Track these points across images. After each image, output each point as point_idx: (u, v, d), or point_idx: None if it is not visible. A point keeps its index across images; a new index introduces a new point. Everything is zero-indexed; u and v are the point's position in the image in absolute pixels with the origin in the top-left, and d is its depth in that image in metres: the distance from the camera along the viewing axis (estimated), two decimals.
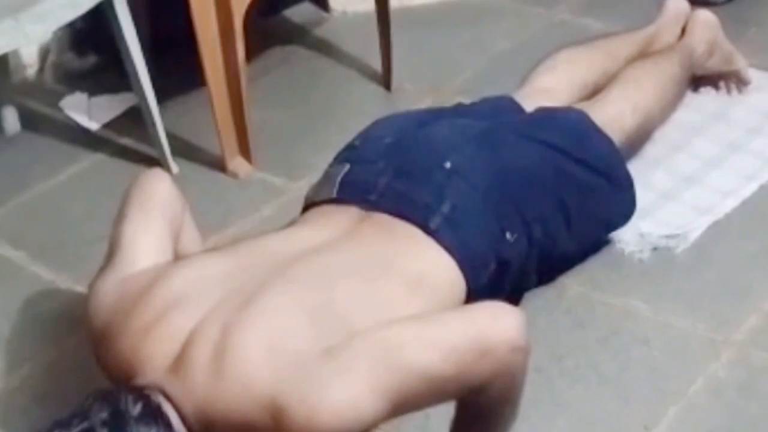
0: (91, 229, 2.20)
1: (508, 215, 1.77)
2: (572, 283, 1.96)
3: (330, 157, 2.33)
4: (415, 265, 1.63)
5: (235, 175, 2.33)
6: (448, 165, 1.76)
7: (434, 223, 1.68)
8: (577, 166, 1.88)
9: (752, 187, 2.14)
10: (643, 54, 2.27)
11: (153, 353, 1.45)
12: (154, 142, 2.35)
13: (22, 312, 2.01)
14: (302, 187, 2.28)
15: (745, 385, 1.74)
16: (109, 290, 1.57)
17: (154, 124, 2.32)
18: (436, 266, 1.65)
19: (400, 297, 1.54)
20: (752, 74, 2.41)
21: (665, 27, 2.35)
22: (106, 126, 2.54)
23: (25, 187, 2.36)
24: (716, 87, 2.41)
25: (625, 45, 2.28)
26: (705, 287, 1.94)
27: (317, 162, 2.33)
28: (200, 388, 1.40)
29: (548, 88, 2.12)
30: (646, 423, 1.69)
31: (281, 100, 2.58)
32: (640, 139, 2.14)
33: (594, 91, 2.15)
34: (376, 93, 2.60)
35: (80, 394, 1.73)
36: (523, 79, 2.18)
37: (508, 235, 1.76)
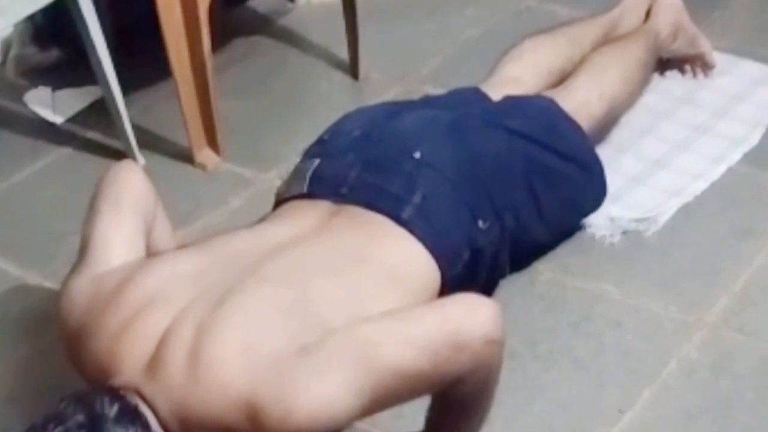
0: (59, 225, 2.18)
1: (479, 203, 1.77)
2: (544, 269, 1.96)
3: (298, 147, 2.31)
4: (389, 256, 1.62)
5: (203, 167, 2.32)
6: (417, 155, 1.76)
7: (406, 213, 1.68)
8: (546, 153, 1.88)
9: (721, 169, 2.15)
10: (609, 38, 2.27)
11: (127, 354, 1.43)
12: (120, 134, 2.32)
13: None
14: (271, 178, 2.28)
15: (717, 366, 1.75)
16: (82, 289, 1.55)
17: (119, 117, 2.29)
18: (410, 257, 1.65)
19: (374, 290, 1.53)
20: (717, 57, 2.42)
21: (630, 10, 2.35)
22: (71, 120, 2.51)
23: None
24: (682, 71, 2.42)
25: (589, 30, 2.29)
26: (676, 269, 1.95)
27: (286, 153, 2.34)
28: (176, 389, 1.39)
29: (515, 77, 2.12)
30: (621, 406, 1.69)
31: (248, 91, 2.57)
32: (608, 124, 2.16)
33: (561, 78, 2.15)
34: (343, 82, 2.59)
35: (51, 393, 1.72)
36: (490, 70, 2.18)
37: (480, 223, 1.76)
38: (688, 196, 2.10)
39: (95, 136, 2.44)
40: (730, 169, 2.16)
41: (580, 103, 2.02)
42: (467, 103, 1.98)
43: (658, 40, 2.30)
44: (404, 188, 1.71)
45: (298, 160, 2.27)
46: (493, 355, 1.43)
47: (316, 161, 1.81)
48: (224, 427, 1.37)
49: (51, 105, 2.56)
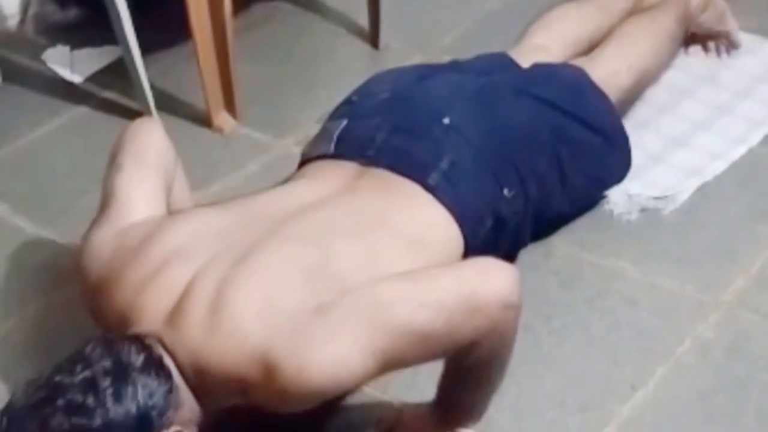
0: (75, 183, 2.18)
1: (505, 172, 1.76)
2: (560, 243, 1.95)
3: (316, 114, 2.33)
4: (413, 221, 1.62)
5: (220, 131, 2.31)
6: (446, 121, 1.75)
7: (433, 179, 1.67)
8: (573, 123, 1.87)
9: (740, 150, 2.14)
10: (637, 8, 2.25)
11: (150, 305, 1.44)
12: (138, 95, 2.31)
13: (5, 265, 1.99)
14: (288, 144, 2.27)
15: (732, 347, 1.74)
16: (105, 242, 1.55)
17: (138, 78, 2.28)
18: (435, 222, 1.65)
19: (396, 254, 1.53)
20: (741, 37, 2.40)
21: None
22: (89, 79, 2.51)
23: (7, 140, 2.33)
24: (706, 48, 2.40)
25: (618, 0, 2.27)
26: (693, 249, 1.94)
27: (303, 119, 2.33)
28: (195, 340, 1.40)
29: (542, 46, 2.10)
30: (633, 382, 1.69)
31: (267, 56, 2.56)
32: (635, 95, 2.14)
33: (589, 48, 2.13)
34: (362, 51, 2.57)
35: (64, 348, 1.73)
36: (517, 37, 2.17)
37: (505, 192, 1.75)
38: (707, 175, 2.08)
39: (113, 96, 2.43)
40: (750, 150, 2.15)
41: (609, 73, 2.01)
42: (496, 69, 1.97)
43: (687, 10, 2.28)
44: (432, 154, 1.70)
45: (316, 126, 2.28)
46: (508, 320, 1.42)
47: (344, 122, 1.80)
48: (238, 380, 1.38)
49: (69, 64, 2.55)
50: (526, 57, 2.03)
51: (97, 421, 1.31)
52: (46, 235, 2.06)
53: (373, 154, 1.71)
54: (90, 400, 1.31)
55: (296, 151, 2.22)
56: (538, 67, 1.99)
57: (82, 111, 2.41)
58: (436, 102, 1.79)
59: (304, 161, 1.81)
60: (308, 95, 2.41)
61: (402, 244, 1.56)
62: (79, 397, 1.31)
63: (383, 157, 1.70)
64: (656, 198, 2.03)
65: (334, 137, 1.77)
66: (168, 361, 1.40)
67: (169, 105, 2.37)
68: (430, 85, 1.85)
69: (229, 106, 2.31)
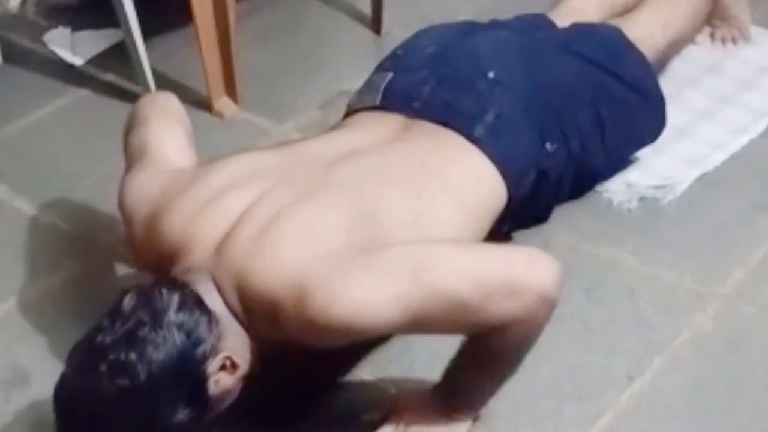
0: (74, 166, 2.18)
1: (548, 126, 1.80)
2: (559, 233, 1.95)
3: (317, 100, 2.32)
4: (459, 172, 1.66)
5: (220, 115, 2.31)
6: (491, 75, 1.78)
7: (478, 131, 1.70)
8: (613, 81, 1.90)
9: (742, 141, 2.13)
10: None
11: (203, 231, 1.48)
12: (139, 79, 2.31)
13: (5, 247, 1.99)
14: (288, 129, 2.27)
15: (730, 339, 1.74)
16: (154, 179, 1.59)
17: (139, 61, 2.27)
18: (480, 174, 1.68)
19: (443, 206, 1.58)
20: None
21: None
22: (90, 61, 2.50)
23: (7, 121, 2.32)
24: (712, 38, 2.40)
25: None
26: (692, 239, 1.94)
27: (303, 104, 2.33)
28: (239, 261, 1.43)
29: (579, 9, 2.12)
30: (631, 373, 1.69)
31: (268, 41, 2.55)
32: (670, 55, 2.19)
33: (624, 11, 2.15)
34: (365, 36, 2.56)
35: (64, 330, 1.74)
36: (554, 2, 2.18)
37: (548, 146, 1.79)
38: (707, 166, 2.08)
39: (114, 79, 2.43)
40: (751, 142, 2.15)
41: (644, 34, 2.03)
42: (537, 27, 2.00)
43: None
44: (477, 106, 1.73)
45: (317, 111, 2.29)
46: (542, 312, 1.44)
47: (390, 74, 1.83)
48: (275, 306, 1.41)
49: (71, 46, 2.54)
50: (563, 19, 2.05)
51: (142, 375, 1.35)
52: (45, 217, 2.06)
53: (419, 106, 1.74)
54: (131, 356, 1.35)
55: (296, 137, 2.23)
56: (577, 26, 2.02)
57: (82, 93, 2.41)
58: (481, 56, 1.83)
59: (349, 112, 1.84)
60: (310, 81, 2.40)
61: (450, 196, 1.60)
62: (121, 356, 1.35)
63: (429, 109, 1.73)
64: (656, 187, 2.03)
65: (381, 89, 1.80)
66: (212, 293, 1.43)
67: (170, 88, 2.32)
68: (475, 40, 1.89)
69: (230, 90, 2.31)
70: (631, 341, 1.74)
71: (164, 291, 1.41)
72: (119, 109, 2.25)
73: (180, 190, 1.54)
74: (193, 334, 1.39)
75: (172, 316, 1.39)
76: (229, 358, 1.43)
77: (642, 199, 2.01)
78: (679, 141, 2.14)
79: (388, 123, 1.73)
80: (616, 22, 2.06)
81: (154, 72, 2.32)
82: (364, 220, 1.49)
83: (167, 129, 1.69)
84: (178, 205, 1.52)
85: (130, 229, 1.59)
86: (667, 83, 2.24)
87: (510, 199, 1.72)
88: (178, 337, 1.37)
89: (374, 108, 1.78)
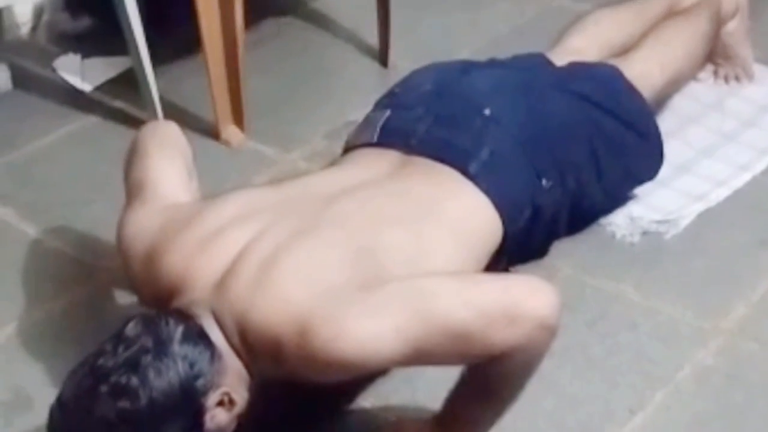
0: (81, 192, 2.19)
1: (543, 162, 1.81)
2: (562, 265, 1.95)
3: (323, 130, 2.34)
4: (456, 208, 1.67)
5: (227, 144, 2.32)
6: (487, 112, 1.80)
7: (473, 167, 1.72)
8: (609, 119, 1.92)
9: (745, 178, 2.14)
10: (671, 12, 2.28)
11: (204, 268, 1.49)
12: (147, 106, 2.33)
13: (9, 270, 2.00)
14: (294, 158, 2.28)
15: (731, 374, 1.74)
16: (153, 214, 1.59)
17: (148, 88, 2.29)
18: (476, 210, 1.69)
19: (440, 242, 1.59)
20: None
21: None
22: (99, 88, 2.52)
23: (15, 146, 2.34)
24: (715, 75, 2.42)
25: (653, 4, 2.30)
26: (694, 274, 1.94)
27: (310, 134, 2.35)
28: (241, 299, 1.44)
29: (578, 49, 2.14)
30: (632, 407, 1.69)
31: (275, 71, 2.57)
32: (668, 94, 2.20)
33: (622, 51, 2.16)
34: (371, 68, 2.58)
35: (65, 355, 1.74)
36: (553, 41, 2.20)
37: (543, 182, 1.80)
38: (710, 201, 2.09)
39: (122, 106, 2.45)
40: (754, 178, 2.16)
41: (642, 73, 2.04)
42: (534, 66, 2.01)
43: (720, 12, 2.30)
44: (473, 143, 1.75)
45: (323, 141, 2.30)
46: (542, 341, 1.44)
47: (387, 112, 1.85)
48: (276, 343, 1.41)
49: (80, 72, 2.56)
50: (561, 58, 2.07)
51: (143, 400, 1.35)
52: (50, 242, 2.07)
53: (416, 143, 1.76)
54: (133, 381, 1.35)
55: (302, 166, 2.25)
56: (574, 65, 2.03)
57: (90, 120, 2.43)
58: (477, 94, 1.85)
59: (347, 149, 1.86)
60: (316, 111, 2.42)
61: (447, 233, 1.61)
62: (122, 379, 1.35)
63: (426, 146, 1.75)
64: (659, 221, 2.04)
65: (378, 127, 1.82)
66: (213, 328, 1.44)
67: (178, 116, 2.36)
68: (472, 78, 1.91)
69: (237, 119, 2.33)
70: (633, 375, 1.74)
71: (170, 321, 1.42)
72: (127, 135, 2.24)
73: (179, 226, 1.55)
74: (196, 366, 1.39)
75: (176, 346, 1.39)
76: (228, 395, 1.43)
77: (645, 233, 2.02)
78: (682, 177, 2.15)
79: (386, 159, 1.75)
80: (615, 62, 2.08)
81: (162, 99, 2.33)
82: (363, 256, 1.50)
83: (167, 162, 1.70)
84: (177, 241, 1.53)
85: (128, 264, 1.60)
86: (669, 119, 2.27)
87: (506, 235, 1.73)
88: (180, 367, 1.38)
89: (372, 145, 1.80)
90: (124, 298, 1.90)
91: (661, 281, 1.93)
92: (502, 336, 1.40)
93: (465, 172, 1.71)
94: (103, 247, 2.00)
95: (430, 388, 1.66)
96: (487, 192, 1.70)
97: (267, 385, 1.51)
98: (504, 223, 1.72)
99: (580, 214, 1.95)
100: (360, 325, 1.38)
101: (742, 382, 1.73)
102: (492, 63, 2.05)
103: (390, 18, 2.53)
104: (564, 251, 1.97)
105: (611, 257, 1.98)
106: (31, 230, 2.09)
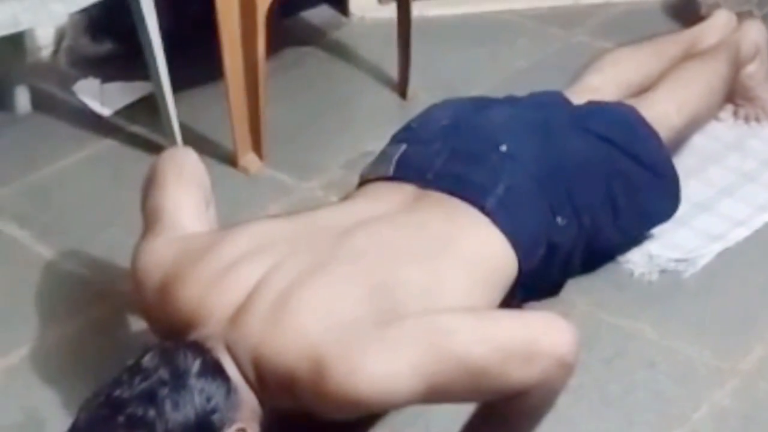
0: (97, 215, 2.19)
1: (559, 200, 1.80)
2: (579, 302, 1.94)
3: (341, 160, 2.34)
4: (471, 244, 1.66)
5: (245, 171, 2.32)
6: (503, 148, 1.80)
7: (489, 203, 1.71)
8: (626, 159, 1.91)
9: (765, 218, 2.13)
10: (689, 54, 2.28)
11: (218, 302, 1.48)
12: (167, 131, 2.33)
13: (24, 292, 1.99)
14: (312, 187, 2.28)
15: (749, 415, 1.73)
16: (167, 246, 1.59)
17: (167, 114, 2.30)
18: (491, 246, 1.68)
19: (456, 279, 1.57)
20: None
21: (712, 29, 2.36)
22: (118, 113, 2.53)
23: (34, 168, 2.34)
24: (736, 115, 2.41)
25: (671, 46, 2.31)
26: (712, 314, 1.93)
27: (328, 164, 2.35)
28: (256, 334, 1.43)
29: (595, 88, 2.14)
30: None
31: (295, 100, 2.57)
32: (686, 136, 2.20)
33: (640, 91, 2.16)
34: (390, 100, 2.59)
35: (78, 378, 1.74)
36: (572, 79, 2.21)
37: (559, 219, 1.79)
38: (729, 241, 2.08)
39: (141, 131, 2.45)
40: None
41: (660, 114, 2.04)
42: (551, 104, 2.01)
43: (738, 54, 2.30)
44: (489, 179, 1.74)
45: (341, 171, 2.30)
46: (559, 378, 1.43)
47: (403, 146, 1.84)
48: (291, 378, 1.40)
49: (100, 97, 2.57)
50: (579, 96, 2.07)
51: (160, 431, 1.34)
52: (65, 265, 2.06)
53: (432, 177, 1.75)
54: (150, 413, 1.34)
55: (320, 195, 2.25)
56: (592, 104, 2.03)
57: (109, 144, 2.43)
58: (493, 130, 1.85)
59: (362, 182, 1.86)
60: (334, 140, 2.42)
61: (463, 269, 1.60)
62: (139, 411, 1.34)
63: (441, 181, 1.74)
64: (677, 260, 2.02)
65: (394, 161, 1.81)
66: (228, 361, 1.43)
67: (197, 143, 2.36)
68: (489, 114, 1.91)
69: (256, 147, 2.33)
70: (650, 414, 1.73)
71: (188, 354, 1.41)
72: (145, 160, 2.26)
73: (194, 258, 1.55)
74: (212, 401, 1.38)
75: (194, 379, 1.38)
76: (243, 430, 1.42)
77: (663, 271, 2.01)
78: (701, 215, 2.14)
79: (401, 193, 1.74)
80: (632, 102, 2.08)
81: (182, 125, 2.34)
82: (378, 291, 1.49)
83: (184, 193, 1.69)
84: (191, 274, 1.52)
85: (141, 296, 1.59)
86: (689, 159, 2.26)
87: (520, 271, 1.72)
88: (197, 401, 1.37)
89: (387, 179, 1.80)
90: (138, 322, 1.89)
91: (678, 320, 1.91)
92: (520, 373, 1.39)
93: (481, 208, 1.70)
94: (118, 270, 1.99)
95: (444, 422, 1.64)
96: (503, 228, 1.70)
97: (279, 419, 1.50)
98: (519, 259, 1.71)
99: (595, 253, 1.94)
100: (376, 363, 1.37)
101: (760, 424, 1.71)
102: (509, 100, 2.05)
103: (410, 51, 2.53)
104: (581, 288, 1.96)
105: (629, 295, 1.97)
106: (47, 252, 2.09)
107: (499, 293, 1.69)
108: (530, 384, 1.40)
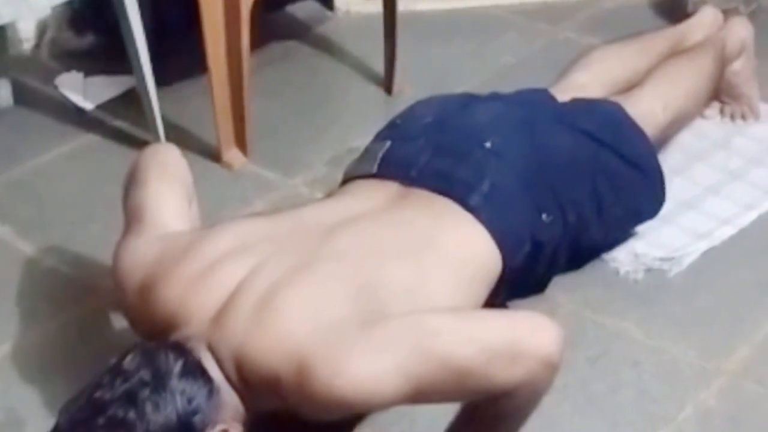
0: (80, 211, 2.17)
1: (544, 197, 1.79)
2: (565, 301, 1.93)
3: (326, 156, 2.33)
4: (456, 241, 1.65)
5: (229, 167, 2.30)
6: (488, 145, 1.79)
7: (474, 200, 1.70)
8: (611, 156, 1.91)
9: (751, 216, 2.13)
10: (675, 51, 2.27)
11: (200, 301, 1.47)
12: (150, 126, 2.31)
13: (5, 289, 1.97)
14: (296, 183, 2.26)
15: (734, 416, 1.72)
16: (148, 245, 1.57)
17: (150, 108, 2.28)
18: (475, 243, 1.67)
19: (440, 276, 1.57)
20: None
21: (698, 26, 2.35)
22: (101, 107, 2.51)
23: (15, 163, 2.32)
24: (722, 113, 2.41)
25: (657, 42, 2.29)
26: (698, 313, 1.92)
27: (312, 160, 2.33)
28: (239, 334, 1.42)
29: (581, 84, 2.13)
30: None
31: (279, 95, 2.55)
32: (672, 133, 2.20)
33: (626, 88, 2.15)
34: (375, 95, 2.57)
35: (60, 376, 1.72)
36: (557, 76, 2.19)
37: (544, 216, 1.78)
38: (714, 240, 2.07)
39: (123, 126, 2.43)
40: (760, 217, 2.14)
41: (645, 112, 2.03)
42: (537, 101, 2.00)
43: (724, 51, 2.29)
44: (473, 175, 1.73)
45: (325, 167, 2.29)
46: (545, 378, 1.43)
47: (387, 143, 1.83)
48: (275, 379, 1.39)
49: (82, 90, 2.55)
50: (564, 94, 2.06)
51: None
52: (47, 262, 2.05)
53: (416, 174, 1.74)
54: (131, 414, 1.33)
55: (304, 192, 2.23)
56: (577, 101, 2.02)
57: (91, 138, 2.41)
58: (478, 127, 1.84)
59: (346, 180, 1.84)
60: (319, 136, 2.41)
61: (447, 266, 1.59)
62: (120, 412, 1.33)
63: (426, 177, 1.73)
64: (662, 259, 2.02)
65: (378, 157, 1.80)
66: (210, 362, 1.42)
67: (180, 138, 2.35)
68: (473, 111, 1.90)
69: (240, 142, 2.31)
70: (635, 414, 1.72)
71: (170, 354, 1.39)
72: (127, 155, 2.24)
73: (176, 258, 1.53)
74: (194, 402, 1.37)
75: (175, 380, 1.37)
76: (226, 431, 1.40)
77: (648, 270, 2.00)
78: (687, 214, 2.13)
79: (385, 191, 1.73)
80: (619, 99, 2.07)
81: (165, 120, 2.32)
82: (362, 291, 1.48)
83: (166, 190, 1.68)
84: (173, 274, 1.51)
85: (122, 295, 1.58)
86: (675, 156, 2.26)
87: (505, 268, 1.71)
88: (179, 403, 1.36)
89: (371, 176, 1.78)
90: (121, 320, 1.87)
91: (664, 319, 1.91)
92: (505, 373, 1.38)
93: (465, 205, 1.70)
94: (100, 267, 1.97)
95: (429, 422, 1.63)
96: (487, 225, 1.69)
97: (263, 419, 1.48)
98: (503, 256, 1.70)
99: (581, 250, 1.94)
100: (361, 364, 1.36)
101: (745, 425, 1.71)
102: (494, 97, 2.04)
103: (396, 46, 2.52)
104: (566, 287, 1.95)
105: (614, 294, 1.96)
106: (28, 248, 2.07)
107: (484, 291, 1.68)
108: (515, 384, 1.40)
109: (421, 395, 1.40)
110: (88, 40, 2.72)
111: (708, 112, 2.39)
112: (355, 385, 1.35)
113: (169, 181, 1.69)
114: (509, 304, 1.84)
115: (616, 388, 1.77)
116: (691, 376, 1.79)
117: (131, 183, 1.71)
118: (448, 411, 1.52)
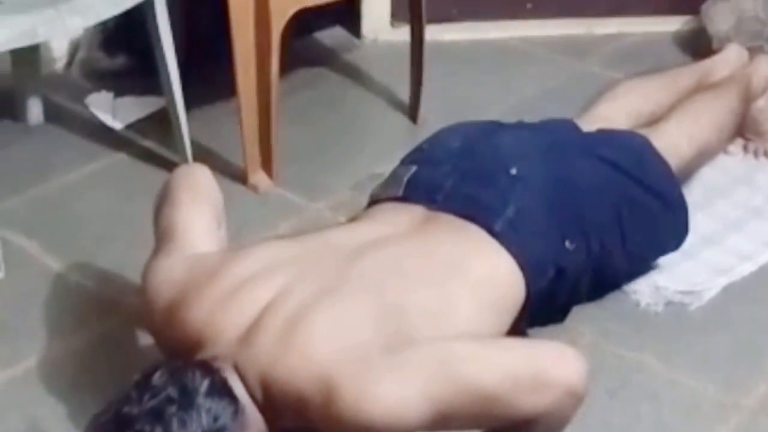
0: (106, 229, 2.20)
1: (569, 224, 1.81)
2: (585, 332, 1.94)
3: (350, 181, 2.35)
4: (480, 267, 1.67)
5: (255, 189, 2.33)
6: (513, 171, 1.81)
7: (499, 225, 1.71)
8: (636, 186, 1.92)
9: None
10: (700, 86, 2.29)
11: (228, 322, 1.49)
12: (178, 147, 2.34)
13: (30, 302, 1.99)
14: (320, 207, 2.28)
15: None
16: (177, 265, 1.59)
17: (179, 129, 2.31)
18: (500, 268, 1.69)
19: (465, 301, 1.59)
20: None
21: (723, 63, 2.38)
22: (130, 127, 2.54)
23: (44, 179, 2.35)
24: (745, 150, 2.42)
25: (683, 78, 2.32)
26: (717, 348, 1.92)
27: (337, 185, 2.35)
28: (266, 355, 1.44)
29: (606, 117, 2.15)
30: None
31: (306, 121, 2.58)
32: (696, 167, 2.21)
33: (651, 121, 2.17)
34: (400, 123, 2.59)
35: (83, 391, 1.73)
36: (583, 108, 2.22)
37: (567, 244, 1.79)
38: (735, 276, 2.08)
39: (152, 146, 2.46)
40: None
41: (670, 144, 2.05)
42: (562, 130, 2.02)
43: (749, 89, 2.31)
44: (498, 201, 1.75)
45: (350, 192, 2.31)
46: (568, 407, 1.44)
47: (414, 168, 1.85)
48: (301, 400, 1.41)
49: (112, 110, 2.58)
50: (589, 125, 2.08)
51: None
52: (73, 277, 2.07)
53: (441, 199, 1.76)
54: (157, 430, 1.34)
55: (328, 215, 2.25)
56: (603, 132, 2.04)
57: (120, 157, 2.44)
58: (504, 153, 1.86)
59: (372, 203, 1.86)
60: (344, 162, 2.43)
61: (471, 292, 1.61)
62: (146, 428, 1.34)
63: (451, 202, 1.75)
64: (683, 292, 2.02)
65: (404, 181, 1.82)
66: (236, 382, 1.43)
67: (207, 159, 2.37)
68: (500, 138, 1.93)
69: (266, 165, 2.33)
70: None
71: (197, 373, 1.41)
72: (155, 175, 2.28)
73: (204, 278, 1.55)
74: (219, 420, 1.39)
75: (201, 398, 1.39)
76: None
77: (669, 303, 2.01)
78: (708, 249, 2.14)
79: (410, 215, 1.75)
80: (643, 132, 2.09)
81: (193, 141, 2.35)
82: (388, 315, 1.49)
83: (197, 212, 1.70)
84: (201, 294, 1.53)
85: (150, 313, 1.60)
86: (697, 191, 2.26)
87: (528, 295, 1.72)
88: (204, 420, 1.37)
89: (397, 199, 1.81)
90: (145, 336, 1.89)
91: (683, 353, 1.91)
92: (530, 402, 1.40)
93: (490, 230, 1.71)
94: (125, 284, 2.00)
95: None
96: (512, 251, 1.70)
97: None
98: (526, 282, 1.71)
99: (603, 279, 1.95)
100: (387, 388, 1.38)
101: None
102: (521, 124, 2.06)
103: (423, 75, 2.54)
104: (587, 318, 1.96)
105: (634, 326, 1.97)
106: (55, 264, 2.10)
107: (508, 317, 1.70)
108: (539, 413, 1.41)
109: (445, 421, 1.41)
110: (120, 61, 2.76)
111: (731, 148, 2.40)
112: (381, 408, 1.37)
113: (199, 203, 1.71)
114: (530, 333, 1.85)
115: (635, 421, 1.77)
116: (708, 411, 1.79)
117: (163, 203, 1.73)
118: None
